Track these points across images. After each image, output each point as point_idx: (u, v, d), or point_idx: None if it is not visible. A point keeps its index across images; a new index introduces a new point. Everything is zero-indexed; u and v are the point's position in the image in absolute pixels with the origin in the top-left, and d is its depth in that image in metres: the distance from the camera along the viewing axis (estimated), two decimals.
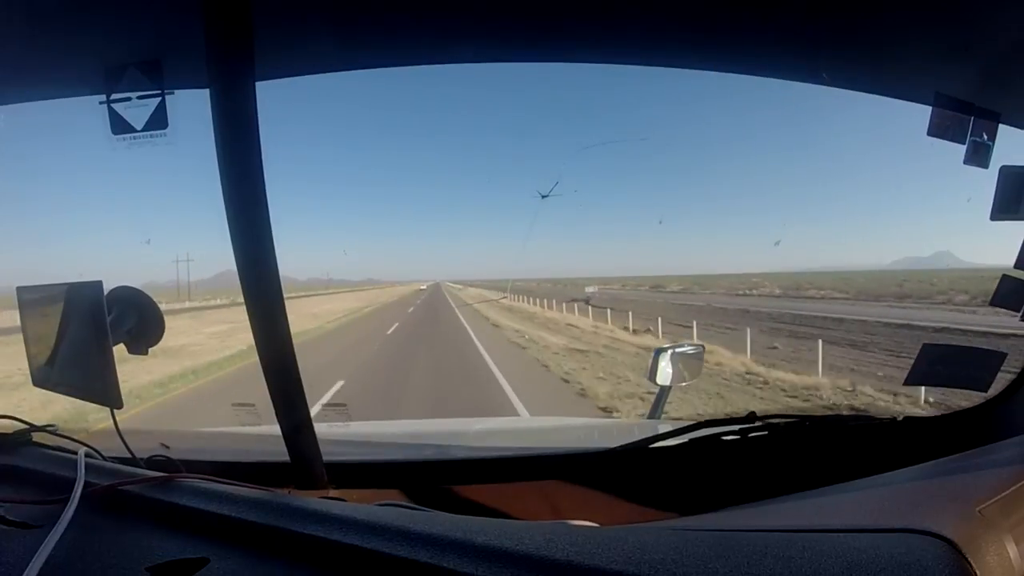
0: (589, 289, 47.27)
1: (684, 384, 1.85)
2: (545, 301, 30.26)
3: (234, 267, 0.83)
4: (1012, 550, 0.53)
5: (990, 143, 1.14)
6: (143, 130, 1.06)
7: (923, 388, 6.61)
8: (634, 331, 18.00)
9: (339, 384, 8.30)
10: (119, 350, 0.89)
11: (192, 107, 0.99)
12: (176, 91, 1.06)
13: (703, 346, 2.08)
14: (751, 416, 1.12)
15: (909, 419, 1.17)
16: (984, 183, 1.12)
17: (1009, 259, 1.10)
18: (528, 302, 33.36)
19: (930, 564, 0.48)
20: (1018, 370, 1.09)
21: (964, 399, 1.19)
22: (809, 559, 0.50)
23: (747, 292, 54.61)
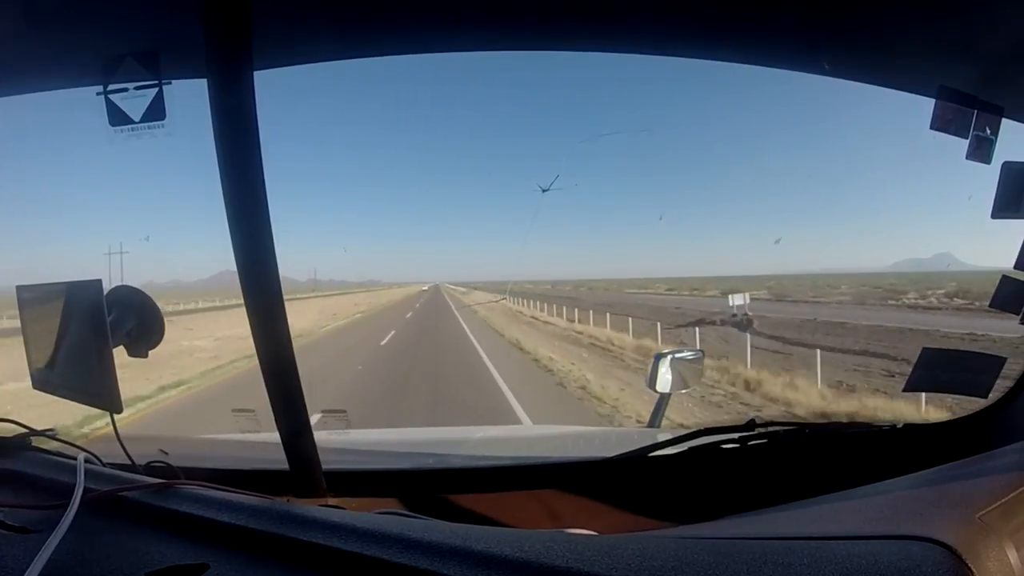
0: (737, 300, 23.36)
1: (684, 392, 1.84)
2: (611, 320, 18.02)
3: (232, 267, 0.82)
4: (1012, 556, 0.53)
5: (993, 138, 1.13)
6: (141, 121, 1.05)
7: None
8: None
9: None
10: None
11: (190, 98, 0.99)
12: (174, 81, 1.05)
13: (703, 352, 2.07)
14: (750, 424, 1.12)
15: (908, 426, 1.18)
16: (985, 184, 1.11)
17: (1009, 261, 1.09)
18: (588, 321, 19.63)
19: (930, 571, 0.48)
20: (1018, 375, 1.09)
21: (964, 405, 1.18)
22: (809, 567, 0.50)
23: (896, 301, 34.45)
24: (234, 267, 0.82)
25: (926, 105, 1.14)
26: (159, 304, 0.97)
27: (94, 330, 0.85)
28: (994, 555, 0.52)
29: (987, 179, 1.11)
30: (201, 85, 0.82)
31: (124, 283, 0.95)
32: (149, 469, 0.92)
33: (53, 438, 0.98)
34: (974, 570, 0.49)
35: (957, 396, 1.14)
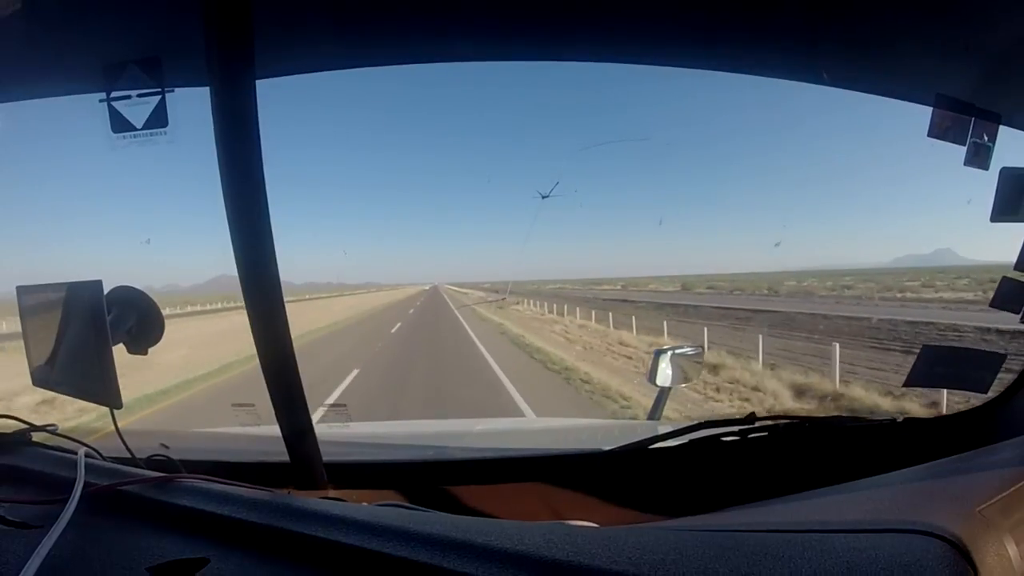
0: None
1: (683, 385, 1.85)
2: None
3: (230, 271, 0.83)
4: (1012, 550, 0.53)
5: (990, 144, 1.14)
6: (143, 128, 1.06)
7: None
8: None
9: None
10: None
11: (192, 105, 0.99)
12: (176, 89, 1.06)
13: (702, 348, 2.08)
14: (751, 417, 1.11)
15: (909, 420, 1.17)
16: (984, 181, 1.12)
17: (1009, 255, 1.10)
18: None
19: (930, 564, 0.48)
20: (1018, 371, 1.09)
21: (964, 400, 1.19)
22: (809, 559, 0.50)
23: None
24: (232, 271, 0.83)
25: (924, 106, 1.15)
26: None
27: (94, 329, 0.85)
28: (994, 549, 0.52)
29: (986, 176, 1.12)
30: (203, 91, 0.83)
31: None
32: (150, 463, 0.92)
33: (54, 433, 0.98)
34: (974, 564, 0.49)
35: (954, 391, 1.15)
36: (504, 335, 16.33)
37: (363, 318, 25.50)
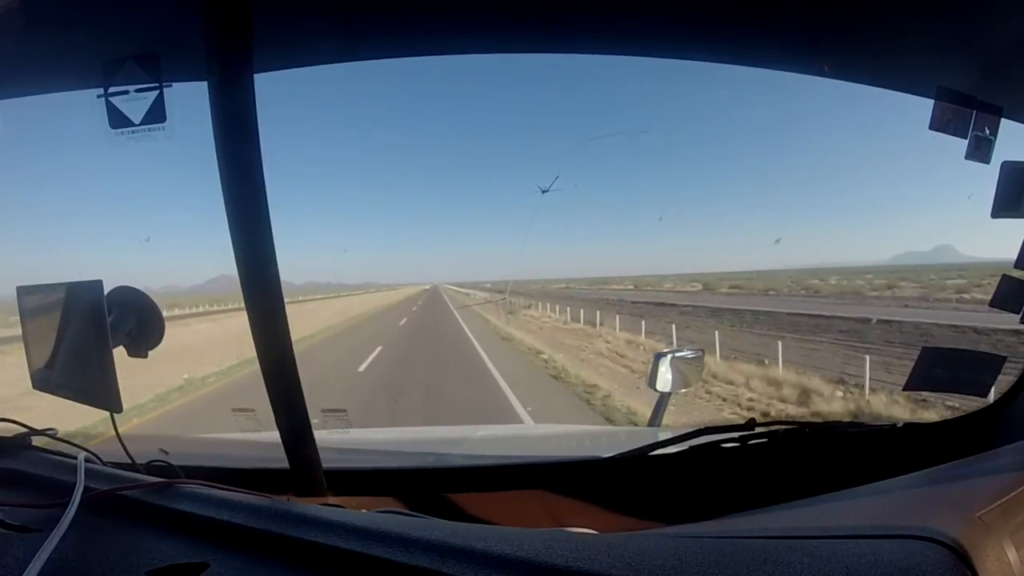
0: None
1: (684, 391, 1.84)
2: None
3: (230, 271, 0.82)
4: (1012, 555, 0.53)
5: (992, 138, 1.14)
6: (141, 124, 1.05)
7: None
8: None
9: None
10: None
11: (191, 100, 0.99)
12: (174, 84, 1.06)
13: (703, 351, 2.06)
14: (751, 423, 1.12)
15: (909, 425, 1.17)
16: (985, 178, 1.11)
17: (1009, 252, 1.10)
18: None
19: (931, 569, 0.48)
20: (1018, 374, 1.09)
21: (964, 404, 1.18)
22: (809, 565, 0.50)
23: None
24: (233, 271, 0.82)
25: (926, 101, 1.14)
26: None
27: (94, 330, 0.85)
28: (994, 554, 0.52)
29: (987, 173, 1.11)
30: (202, 87, 0.82)
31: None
32: (150, 468, 0.92)
33: (54, 437, 0.98)
34: (975, 569, 0.49)
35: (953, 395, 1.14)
36: (557, 378, 9.70)
37: (347, 328, 20.15)
